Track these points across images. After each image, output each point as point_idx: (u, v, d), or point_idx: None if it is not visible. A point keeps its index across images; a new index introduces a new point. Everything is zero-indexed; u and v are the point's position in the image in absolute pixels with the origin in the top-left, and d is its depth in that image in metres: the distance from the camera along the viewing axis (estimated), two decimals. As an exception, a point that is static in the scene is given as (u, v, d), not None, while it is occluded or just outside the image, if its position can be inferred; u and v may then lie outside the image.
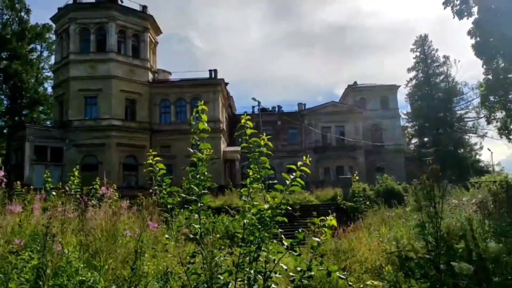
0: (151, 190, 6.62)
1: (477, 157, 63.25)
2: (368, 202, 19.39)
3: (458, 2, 17.98)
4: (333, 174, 47.70)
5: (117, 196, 8.86)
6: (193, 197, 4.06)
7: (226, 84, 44.95)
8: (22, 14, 53.05)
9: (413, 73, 60.56)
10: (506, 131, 20.80)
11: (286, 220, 3.65)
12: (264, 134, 4.23)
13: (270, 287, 3.54)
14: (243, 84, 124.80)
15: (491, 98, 19.87)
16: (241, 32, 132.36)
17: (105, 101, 38.96)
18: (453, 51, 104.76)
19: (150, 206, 8.35)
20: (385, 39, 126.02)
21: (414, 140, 66.36)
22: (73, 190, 7.78)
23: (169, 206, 4.26)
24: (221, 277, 3.63)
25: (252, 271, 3.47)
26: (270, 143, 4.25)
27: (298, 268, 3.79)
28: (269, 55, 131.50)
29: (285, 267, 3.56)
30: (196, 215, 4.00)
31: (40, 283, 2.53)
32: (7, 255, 2.55)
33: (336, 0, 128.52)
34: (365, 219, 14.19)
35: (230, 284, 3.63)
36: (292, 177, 3.72)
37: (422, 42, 59.19)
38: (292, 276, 3.79)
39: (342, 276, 3.98)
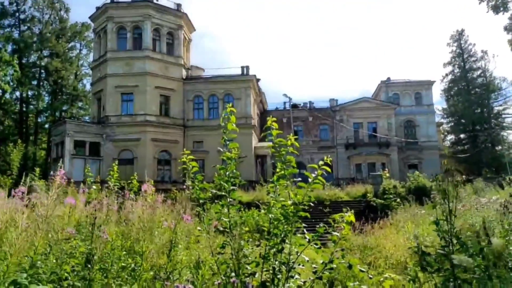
0: (184, 186, 7.01)
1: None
2: (398, 199, 19.31)
3: (494, -3, 17.59)
4: (364, 171, 47.29)
5: (153, 190, 9.37)
6: (223, 193, 4.37)
7: (258, 80, 45.32)
8: (62, 13, 55.14)
9: (449, 68, 59.12)
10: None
11: (308, 215, 3.91)
12: (291, 134, 4.47)
13: (293, 277, 3.82)
14: (275, 79, 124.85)
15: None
16: (275, 29, 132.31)
17: (141, 97, 40.09)
18: (490, 46, 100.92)
19: (183, 200, 8.77)
20: (419, 33, 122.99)
21: (449, 137, 64.81)
22: (112, 184, 8.32)
23: (201, 201, 4.60)
24: (248, 267, 3.93)
25: (276, 262, 3.76)
26: (296, 143, 4.49)
27: (320, 261, 4.06)
28: (302, 51, 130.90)
29: (306, 258, 3.83)
30: (226, 209, 4.31)
31: (89, 266, 2.90)
32: (60, 241, 2.94)
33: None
34: (394, 216, 14.22)
35: (257, 274, 3.93)
36: (314, 175, 3.96)
37: (458, 37, 57.59)
38: (315, 267, 4.07)
39: (363, 269, 4.22)
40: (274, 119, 4.63)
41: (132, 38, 41.55)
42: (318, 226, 3.81)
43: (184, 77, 43.35)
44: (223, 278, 3.66)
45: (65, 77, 52.88)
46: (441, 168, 50.92)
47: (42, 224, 2.57)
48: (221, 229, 4.29)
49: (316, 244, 3.80)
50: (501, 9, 18.22)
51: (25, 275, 2.14)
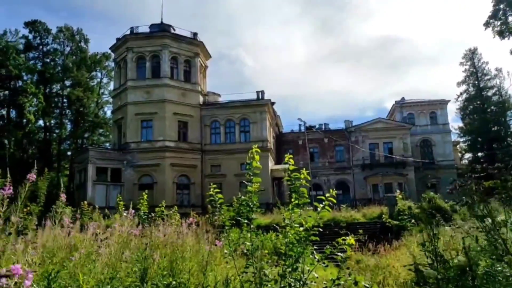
0: (210, 213, 7.81)
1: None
2: (413, 220, 19.66)
3: (498, 23, 18.29)
4: (381, 191, 47.36)
5: (178, 216, 10.23)
6: (246, 221, 5.14)
7: (273, 103, 46.34)
8: (82, 44, 57.58)
9: (463, 87, 59.36)
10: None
11: (318, 239, 4.65)
12: (304, 169, 5.22)
13: (307, 292, 4.54)
14: (290, 100, 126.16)
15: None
16: (287, 49, 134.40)
17: (160, 123, 41.41)
18: (505, 64, 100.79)
19: (204, 224, 9.59)
20: (432, 52, 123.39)
21: (467, 155, 64.52)
22: (143, 212, 9.18)
23: (226, 227, 5.38)
24: (268, 285, 4.66)
25: (292, 279, 4.48)
26: (308, 177, 5.24)
27: (330, 278, 4.77)
28: (315, 71, 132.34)
29: (316, 275, 4.55)
30: (248, 234, 5.07)
31: (144, 283, 3.65)
32: (119, 263, 3.70)
33: (381, 13, 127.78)
34: (407, 237, 14.68)
35: (276, 289, 4.65)
36: (322, 205, 4.71)
37: (471, 55, 58.00)
38: (325, 283, 4.79)
39: (367, 285, 4.92)
40: (291, 156, 5.41)
41: (151, 67, 43.19)
42: (328, 247, 4.54)
43: (201, 103, 44.66)
44: (248, 293, 4.38)
45: (87, 105, 54.90)
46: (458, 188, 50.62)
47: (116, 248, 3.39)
48: (245, 251, 5.04)
49: (324, 263, 4.52)
50: (507, 33, 18.90)
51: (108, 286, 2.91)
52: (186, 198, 41.43)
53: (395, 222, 19.83)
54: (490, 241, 3.16)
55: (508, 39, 18.51)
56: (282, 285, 4.58)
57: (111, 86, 52.99)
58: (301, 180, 5.22)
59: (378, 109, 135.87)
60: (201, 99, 44.99)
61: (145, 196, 9.78)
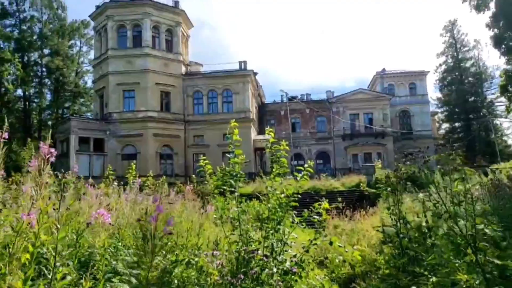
0: (195, 182, 8.32)
1: (509, 142, 62.57)
2: (389, 189, 20.60)
3: (474, -3, 18.77)
4: (361, 161, 48.57)
5: (166, 185, 10.75)
6: (232, 188, 5.66)
7: (256, 74, 46.44)
8: (59, 11, 55.92)
9: (442, 58, 60.30)
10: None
11: (297, 204, 5.22)
12: (284, 141, 5.72)
13: (287, 250, 5.13)
14: (272, 69, 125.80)
15: (510, 88, 20.58)
16: (269, 19, 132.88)
17: (142, 93, 41.25)
18: (483, 35, 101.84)
19: (190, 193, 10.13)
20: (413, 24, 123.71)
21: (444, 126, 66.14)
22: (131, 181, 9.63)
23: (214, 194, 5.92)
24: (253, 245, 5.23)
25: (274, 240, 5.06)
26: (287, 147, 5.75)
27: (308, 238, 5.38)
28: (298, 40, 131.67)
29: (295, 235, 5.14)
30: (234, 201, 5.61)
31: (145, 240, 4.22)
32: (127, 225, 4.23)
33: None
34: (383, 204, 15.50)
35: (260, 250, 5.23)
36: (301, 175, 5.26)
37: (451, 27, 58.68)
38: (303, 244, 5.40)
39: (340, 245, 5.55)
40: (271, 129, 5.90)
41: (132, 36, 42.57)
42: (303, 211, 5.11)
43: (183, 73, 44.47)
44: (234, 252, 4.93)
45: (67, 74, 53.97)
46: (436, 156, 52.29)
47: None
48: (231, 216, 5.59)
49: (302, 225, 5.10)
50: (482, 7, 19.42)
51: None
52: (169, 168, 41.83)
53: (372, 190, 20.67)
54: (433, 203, 3.74)
55: (483, 13, 19.06)
56: (266, 245, 5.16)
57: (91, 55, 52.17)
58: (281, 151, 5.74)
59: (358, 79, 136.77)
60: (183, 69, 44.77)
61: (133, 166, 10.26)
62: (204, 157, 6.06)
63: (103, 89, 42.57)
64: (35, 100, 52.55)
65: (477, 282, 2.45)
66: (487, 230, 2.94)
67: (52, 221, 1.79)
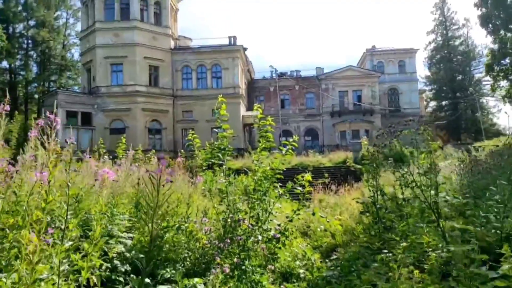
0: (184, 156, 8.54)
1: (494, 120, 63.56)
2: (375, 165, 21.08)
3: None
4: (349, 138, 49.02)
5: (156, 159, 10.95)
6: (220, 162, 5.91)
7: (245, 49, 46.14)
8: (45, -19, 54.34)
9: (432, 36, 60.41)
10: (509, 99, 22.05)
11: (282, 177, 5.49)
12: (269, 117, 5.95)
13: (272, 220, 5.43)
14: (261, 46, 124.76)
15: (496, 67, 20.90)
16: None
17: (130, 67, 40.85)
18: (473, 14, 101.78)
19: (180, 165, 10.36)
20: (404, 1, 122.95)
21: (432, 104, 66.77)
22: (121, 155, 9.80)
23: (203, 167, 6.16)
24: (240, 215, 5.51)
25: (260, 209, 5.35)
26: (273, 123, 5.99)
27: (292, 209, 5.68)
28: (288, 17, 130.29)
29: (280, 205, 5.43)
30: (222, 173, 5.87)
31: (137, 208, 4.46)
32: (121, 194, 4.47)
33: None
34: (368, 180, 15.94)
35: (246, 220, 5.52)
36: (286, 149, 5.52)
37: (441, 5, 58.57)
38: (287, 215, 5.70)
39: (322, 215, 5.87)
40: (259, 106, 6.11)
41: (120, 8, 41.80)
42: (287, 184, 5.40)
43: (172, 47, 44.02)
44: (222, 219, 5.21)
45: (53, 47, 53.01)
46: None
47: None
48: (219, 187, 5.85)
49: (286, 196, 5.39)
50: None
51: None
52: (158, 143, 41.87)
53: (357, 166, 21.16)
54: (401, 174, 4.03)
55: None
56: (252, 214, 5.45)
57: (78, 27, 51.16)
58: (267, 127, 5.99)
59: (348, 57, 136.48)
60: (172, 43, 44.29)
61: (123, 140, 10.44)
62: (193, 132, 6.27)
63: (90, 62, 42.03)
64: (21, 73, 51.64)
65: (440, 244, 2.74)
66: (448, 198, 3.24)
67: (63, 180, 2.01)
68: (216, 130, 6.25)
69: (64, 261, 1.89)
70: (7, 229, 2.05)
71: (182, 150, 17.19)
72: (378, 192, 4.94)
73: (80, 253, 2.25)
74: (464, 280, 2.37)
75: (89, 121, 40.00)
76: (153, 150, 11.74)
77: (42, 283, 1.75)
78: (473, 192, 5.40)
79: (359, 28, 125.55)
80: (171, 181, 2.55)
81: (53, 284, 1.81)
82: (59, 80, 54.63)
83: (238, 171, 17.51)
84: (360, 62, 60.41)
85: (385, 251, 3.63)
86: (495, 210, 3.67)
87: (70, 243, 1.95)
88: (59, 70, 54.33)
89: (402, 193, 4.73)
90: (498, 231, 3.33)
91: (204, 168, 6.24)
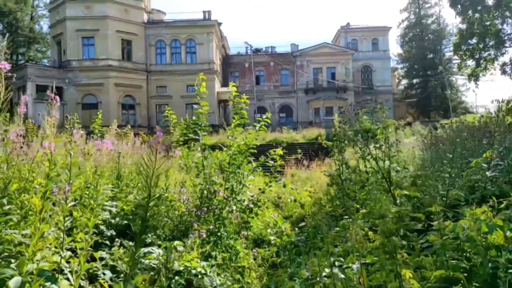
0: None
1: (463, 98, 65.42)
2: (346, 141, 21.74)
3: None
4: (323, 115, 49.76)
5: (132, 134, 11.12)
6: (197, 137, 6.20)
7: (220, 24, 45.72)
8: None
9: (405, 14, 61.18)
10: (475, 78, 22.91)
11: (256, 151, 5.84)
12: (244, 95, 6.25)
13: (245, 192, 5.80)
14: (236, 22, 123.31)
15: (463, 47, 21.61)
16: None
17: (102, 41, 40.00)
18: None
19: (157, 140, 10.58)
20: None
21: (404, 81, 68.03)
22: (97, 130, 9.93)
23: (180, 142, 6.44)
24: (215, 187, 5.85)
25: (234, 182, 5.70)
26: (248, 101, 6.29)
27: (265, 181, 6.06)
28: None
29: (253, 177, 5.80)
30: (199, 148, 6.17)
31: (119, 181, 4.71)
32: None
33: None
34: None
35: (221, 191, 5.87)
36: (259, 125, 5.85)
37: (415, -18, 59.13)
38: (260, 187, 6.08)
39: (292, 187, 6.28)
40: (234, 84, 6.39)
41: (90, -21, 40.57)
42: (260, 158, 5.75)
43: (145, 21, 43.21)
44: (199, 191, 5.55)
45: (21, 18, 51.15)
46: (394, 111, 54.72)
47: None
48: (195, 161, 6.16)
49: (258, 169, 5.75)
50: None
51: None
52: (132, 118, 41.53)
53: (329, 142, 21.76)
54: (360, 149, 4.45)
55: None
56: (226, 187, 5.80)
57: (47, -2, 49.40)
58: (242, 104, 6.29)
59: (324, 34, 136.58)
60: (145, 16, 43.44)
61: (100, 115, 10.54)
62: (169, 108, 6.52)
63: (60, 35, 40.88)
64: (-13, 45, 49.81)
65: (393, 210, 3.16)
66: (398, 168, 3.66)
67: (66, 150, 2.28)
68: (192, 106, 6.54)
69: (67, 218, 2.18)
70: (14, 193, 2.32)
71: (157, 126, 17.40)
72: (343, 166, 5.36)
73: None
74: (404, 236, 2.81)
75: (60, 96, 38.82)
76: (128, 126, 11.84)
77: (50, 236, 2.03)
78: (431, 165, 5.89)
79: (335, 4, 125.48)
80: (167, 150, 2.83)
81: (57, 238, 2.11)
82: (27, 53, 52.98)
83: (213, 147, 17.83)
84: (334, 39, 60.74)
85: (346, 217, 4.05)
86: (444, 180, 4.14)
87: (73, 203, 2.23)
88: (27, 43, 52.62)
89: (365, 166, 5.16)
90: (444, 199, 3.79)
91: (180, 143, 6.52)
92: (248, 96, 6.56)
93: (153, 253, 3.19)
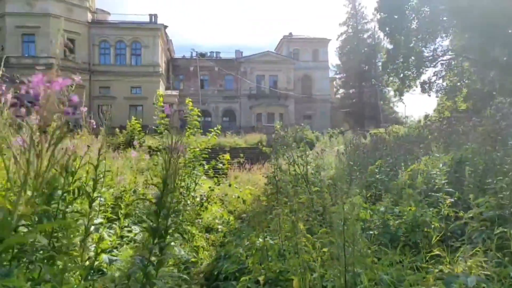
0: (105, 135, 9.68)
1: (395, 109, 70.26)
2: (285, 147, 23.41)
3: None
4: (264, 120, 51.69)
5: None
6: (138, 141, 7.31)
7: (166, 27, 46.22)
8: None
9: (343, 28, 64.73)
10: (399, 93, 25.66)
11: (208, 156, 7.07)
12: (189, 100, 7.44)
13: (198, 189, 7.02)
14: (181, 25, 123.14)
15: (390, 65, 24.10)
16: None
17: (43, 39, 39.17)
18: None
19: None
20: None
21: (341, 91, 71.84)
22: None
23: (123, 145, 7.53)
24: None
25: (189, 181, 6.90)
26: (199, 113, 7.49)
27: (214, 182, 7.31)
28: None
29: (204, 177, 7.03)
30: (144, 152, 7.29)
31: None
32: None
33: None
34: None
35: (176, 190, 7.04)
36: (211, 134, 7.10)
37: (353, -1, 62.92)
38: (210, 186, 7.33)
39: (236, 186, 7.57)
40: (191, 100, 7.57)
41: (33, -25, 39.65)
42: (212, 161, 6.99)
43: (89, 21, 42.80)
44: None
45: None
46: (331, 119, 57.93)
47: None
48: (156, 163, 7.26)
49: (209, 171, 6.99)
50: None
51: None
52: (72, 118, 40.84)
53: (268, 148, 23.31)
54: (286, 155, 5.86)
55: (374, -1, 21.99)
56: (182, 185, 6.98)
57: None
58: (194, 116, 7.49)
59: (268, 40, 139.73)
60: (89, 16, 43.03)
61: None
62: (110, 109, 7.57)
63: (-2, 30, 39.54)
64: None
65: (303, 198, 4.53)
66: (311, 171, 5.04)
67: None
68: (136, 107, 7.64)
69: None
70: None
71: (101, 128, 18.02)
72: (278, 169, 6.72)
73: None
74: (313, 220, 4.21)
75: (-4, 93, 37.87)
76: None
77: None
78: (346, 168, 7.44)
79: (281, 12, 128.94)
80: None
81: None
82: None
83: (158, 149, 18.58)
84: (278, 47, 63.06)
85: (277, 207, 5.39)
86: (351, 180, 5.62)
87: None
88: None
89: (294, 170, 6.57)
90: (346, 193, 5.25)
91: (124, 145, 7.61)
92: (192, 100, 7.77)
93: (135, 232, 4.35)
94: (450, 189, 3.91)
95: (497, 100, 7.26)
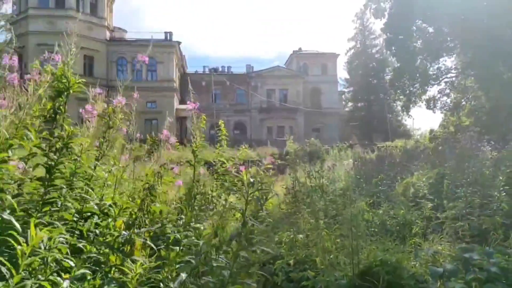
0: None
1: (403, 122, 71.14)
2: (297, 160, 24.61)
3: (374, 6, 22.90)
4: (275, 133, 53.01)
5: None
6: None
7: (179, 43, 48.00)
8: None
9: (352, 43, 66.13)
10: (406, 109, 26.87)
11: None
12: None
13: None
14: (192, 35, 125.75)
15: (396, 83, 25.29)
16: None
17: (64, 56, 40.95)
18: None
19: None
20: (333, 6, 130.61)
21: (350, 104, 72.99)
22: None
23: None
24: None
25: (221, 191, 8.14)
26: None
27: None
28: (222, 12, 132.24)
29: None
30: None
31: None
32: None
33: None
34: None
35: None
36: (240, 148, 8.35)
37: (361, 15, 64.30)
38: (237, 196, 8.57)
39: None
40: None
41: (55, -5, 41.76)
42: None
43: (108, 38, 44.69)
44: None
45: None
46: (340, 132, 59.03)
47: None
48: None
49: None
50: (380, 15, 23.65)
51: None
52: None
53: (282, 162, 24.51)
54: (303, 169, 7.08)
55: (381, 20, 23.36)
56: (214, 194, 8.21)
57: (9, 11, 49.53)
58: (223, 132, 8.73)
59: (278, 52, 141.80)
60: (107, 34, 44.95)
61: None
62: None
63: (22, 48, 41.44)
64: None
65: (320, 204, 5.75)
66: (326, 182, 6.25)
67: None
68: (151, 121, 8.90)
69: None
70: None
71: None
72: (296, 181, 7.93)
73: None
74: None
75: (19, 108, 39.65)
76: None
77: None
78: (354, 181, 8.66)
79: (291, 25, 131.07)
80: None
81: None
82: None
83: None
84: (287, 62, 64.63)
85: (299, 213, 6.60)
86: (358, 191, 6.83)
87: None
88: (-17, 53, 52.09)
89: (311, 182, 7.79)
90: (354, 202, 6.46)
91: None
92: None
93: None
94: (431, 197, 5.09)
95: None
